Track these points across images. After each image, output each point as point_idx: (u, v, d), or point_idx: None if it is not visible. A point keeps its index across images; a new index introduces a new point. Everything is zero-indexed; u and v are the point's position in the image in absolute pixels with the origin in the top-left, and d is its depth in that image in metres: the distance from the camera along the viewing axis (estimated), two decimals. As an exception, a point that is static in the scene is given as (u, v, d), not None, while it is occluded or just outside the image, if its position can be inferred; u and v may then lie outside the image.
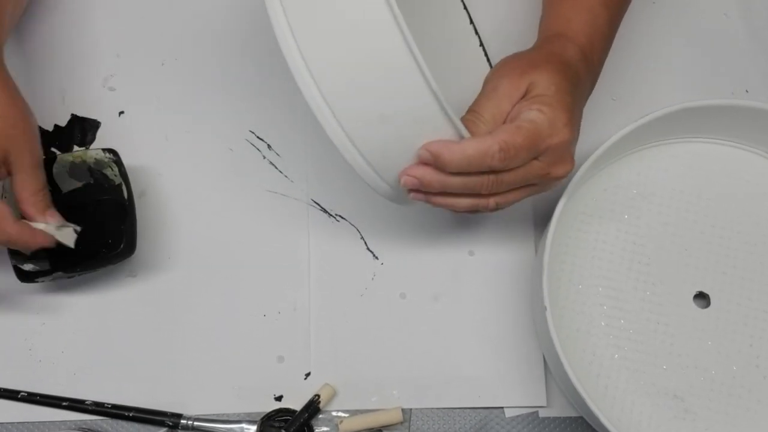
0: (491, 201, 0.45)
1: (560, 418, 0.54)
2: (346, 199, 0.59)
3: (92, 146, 0.60)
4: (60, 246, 0.51)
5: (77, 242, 0.53)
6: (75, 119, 0.61)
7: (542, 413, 0.54)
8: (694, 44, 0.64)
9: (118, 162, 0.55)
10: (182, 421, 0.53)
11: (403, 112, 0.41)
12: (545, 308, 0.47)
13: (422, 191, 0.44)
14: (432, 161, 0.42)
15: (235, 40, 0.62)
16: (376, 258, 0.58)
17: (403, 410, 0.53)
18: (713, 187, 0.56)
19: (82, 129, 0.60)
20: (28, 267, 0.53)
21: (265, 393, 0.54)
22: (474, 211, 0.46)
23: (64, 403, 0.54)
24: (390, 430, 0.53)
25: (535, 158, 0.44)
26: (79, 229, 0.52)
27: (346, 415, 0.54)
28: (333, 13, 0.40)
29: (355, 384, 0.54)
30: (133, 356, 0.55)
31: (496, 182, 0.44)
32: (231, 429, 0.53)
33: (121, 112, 0.61)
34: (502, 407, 0.54)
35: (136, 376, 0.55)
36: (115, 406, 0.53)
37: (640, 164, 0.57)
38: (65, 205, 0.56)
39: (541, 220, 0.58)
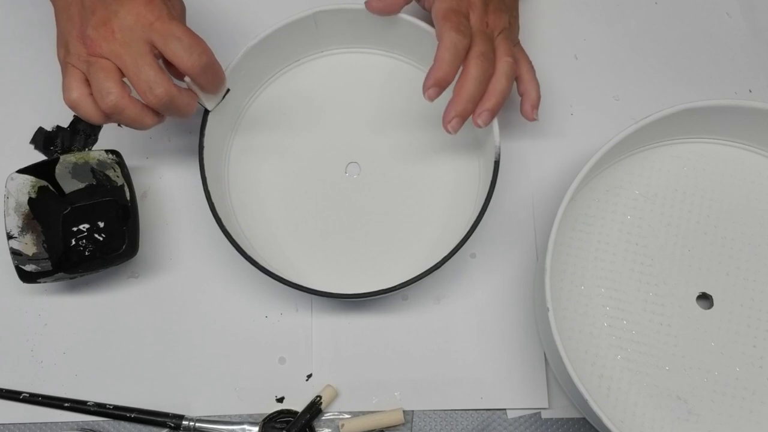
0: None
1: (563, 419, 0.54)
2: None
3: (95, 147, 0.60)
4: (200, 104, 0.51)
5: (79, 243, 0.53)
6: (78, 120, 0.61)
7: (544, 414, 0.54)
8: (696, 44, 0.64)
9: (121, 163, 0.55)
10: (184, 422, 0.53)
11: None
12: (548, 309, 0.47)
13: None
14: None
15: (239, 41, 0.62)
16: (378, 259, 0.58)
17: (404, 412, 0.53)
18: (716, 187, 0.56)
19: (85, 130, 0.61)
20: (30, 267, 0.53)
21: (266, 394, 0.54)
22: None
23: (66, 404, 0.54)
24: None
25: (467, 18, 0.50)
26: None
27: (348, 416, 0.54)
28: None
29: (357, 385, 0.54)
30: (135, 357, 0.55)
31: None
32: (233, 430, 0.53)
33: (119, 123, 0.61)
34: (505, 409, 0.54)
35: (137, 377, 0.55)
36: (116, 407, 0.54)
37: (642, 165, 0.56)
38: (68, 205, 0.56)
39: (543, 222, 0.58)
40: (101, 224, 0.56)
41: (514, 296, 0.56)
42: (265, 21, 0.55)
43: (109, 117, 0.48)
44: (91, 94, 0.47)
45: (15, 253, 0.53)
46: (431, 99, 0.49)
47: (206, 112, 0.53)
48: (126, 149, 0.57)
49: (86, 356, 0.55)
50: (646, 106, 0.61)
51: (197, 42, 0.47)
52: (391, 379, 0.55)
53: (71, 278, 0.54)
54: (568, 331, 0.52)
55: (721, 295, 0.53)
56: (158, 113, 0.49)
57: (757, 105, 0.52)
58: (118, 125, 0.61)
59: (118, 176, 0.55)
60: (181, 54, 0.46)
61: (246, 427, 0.53)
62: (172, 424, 0.53)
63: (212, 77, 0.49)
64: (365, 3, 0.53)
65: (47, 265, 0.54)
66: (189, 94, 0.49)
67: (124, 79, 0.47)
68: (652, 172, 0.56)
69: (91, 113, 0.47)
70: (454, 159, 0.57)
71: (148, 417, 0.53)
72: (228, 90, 0.53)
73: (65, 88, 0.47)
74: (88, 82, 0.47)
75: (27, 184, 0.54)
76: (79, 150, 0.60)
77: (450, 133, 0.49)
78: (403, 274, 0.50)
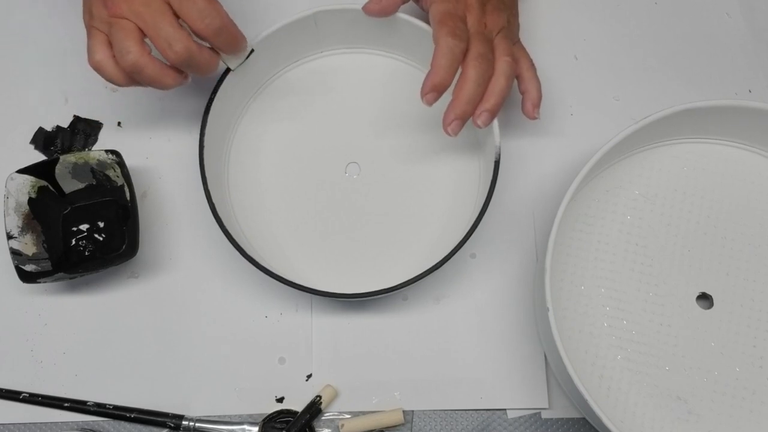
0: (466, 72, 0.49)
1: (563, 419, 0.54)
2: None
3: (95, 147, 0.60)
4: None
5: (79, 243, 0.53)
6: (78, 120, 0.61)
7: (544, 415, 0.54)
8: (696, 44, 0.64)
9: (121, 163, 0.55)
10: (184, 423, 0.53)
11: None
12: (548, 309, 0.47)
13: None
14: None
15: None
16: (378, 259, 0.58)
17: (404, 412, 0.53)
18: (716, 188, 0.56)
19: (84, 130, 0.61)
20: (30, 267, 0.53)
21: (266, 394, 0.54)
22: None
23: (66, 404, 0.54)
24: (392, 432, 0.54)
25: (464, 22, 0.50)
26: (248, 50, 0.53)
27: (348, 416, 0.54)
28: None
29: (357, 385, 0.54)
30: (134, 357, 0.55)
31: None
32: (232, 430, 0.53)
33: (119, 123, 0.61)
34: (504, 409, 0.54)
35: (137, 377, 0.55)
36: (116, 407, 0.54)
37: (642, 165, 0.56)
38: (68, 205, 0.56)
39: (543, 222, 0.58)
40: (101, 224, 0.56)
41: (514, 296, 0.56)
42: (266, 21, 0.55)
43: (130, 77, 0.49)
44: (114, 56, 0.48)
45: (15, 253, 0.53)
46: (429, 104, 0.49)
47: (206, 112, 0.53)
48: (126, 149, 0.57)
49: (86, 356, 0.55)
50: (646, 106, 0.61)
51: (212, 5, 0.47)
52: (391, 379, 0.55)
53: (71, 278, 0.54)
54: (568, 331, 0.52)
55: (721, 295, 0.53)
56: (180, 72, 0.50)
57: (757, 105, 0.52)
58: (120, 120, 0.61)
59: (118, 176, 0.55)
60: (194, 17, 0.47)
61: (246, 427, 0.53)
62: (172, 424, 0.53)
63: (227, 40, 0.49)
64: (363, 7, 0.53)
65: (47, 265, 0.54)
66: (209, 52, 0.50)
67: (146, 40, 0.47)
68: (652, 172, 0.56)
69: (113, 74, 0.49)
70: (454, 159, 0.57)
71: (147, 417, 0.53)
72: (252, 50, 0.53)
73: (89, 51, 0.48)
74: (111, 44, 0.48)
75: (27, 184, 0.54)
76: (79, 150, 0.60)
77: (450, 135, 0.49)
78: (403, 274, 0.50)
